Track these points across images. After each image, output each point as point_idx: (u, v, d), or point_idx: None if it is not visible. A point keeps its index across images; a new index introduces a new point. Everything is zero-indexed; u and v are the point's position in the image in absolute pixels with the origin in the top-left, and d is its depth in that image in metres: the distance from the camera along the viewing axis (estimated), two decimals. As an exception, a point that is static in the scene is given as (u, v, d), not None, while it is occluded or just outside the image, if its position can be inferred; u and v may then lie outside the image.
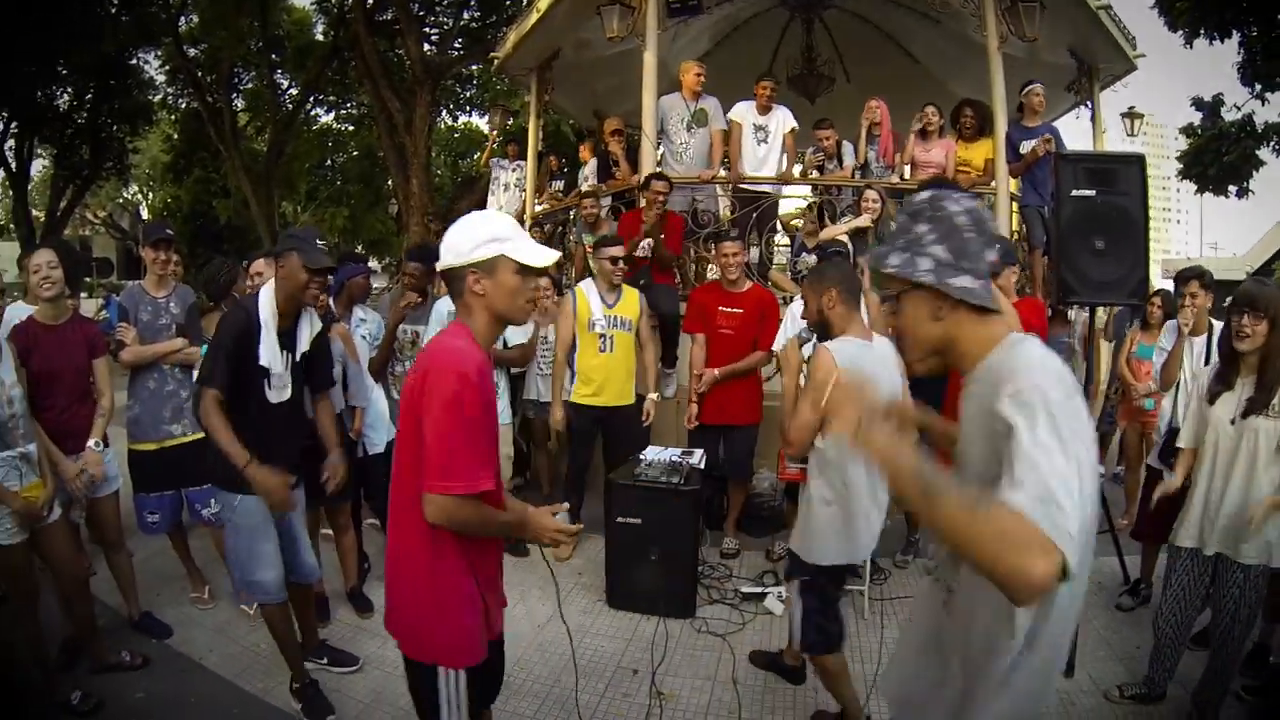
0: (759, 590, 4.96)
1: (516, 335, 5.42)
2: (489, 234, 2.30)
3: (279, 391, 3.59)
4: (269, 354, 3.50)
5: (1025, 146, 7.03)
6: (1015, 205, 7.55)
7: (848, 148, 7.78)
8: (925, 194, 1.83)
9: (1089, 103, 9.16)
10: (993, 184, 7.46)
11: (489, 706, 2.73)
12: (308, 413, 3.93)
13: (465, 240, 2.31)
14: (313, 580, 4.08)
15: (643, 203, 6.63)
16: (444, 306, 5.21)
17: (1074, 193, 4.26)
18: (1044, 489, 1.42)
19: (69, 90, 22.90)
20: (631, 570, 4.77)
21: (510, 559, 5.36)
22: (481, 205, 18.66)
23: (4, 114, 21.95)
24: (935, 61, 10.31)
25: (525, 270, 2.31)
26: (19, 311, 4.32)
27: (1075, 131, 9.44)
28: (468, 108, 24.96)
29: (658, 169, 7.40)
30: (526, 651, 4.33)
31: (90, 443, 4.12)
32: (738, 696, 3.91)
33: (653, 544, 4.70)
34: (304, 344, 3.71)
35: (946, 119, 7.60)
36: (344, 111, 27.02)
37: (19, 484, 3.51)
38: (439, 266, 2.38)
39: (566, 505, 2.47)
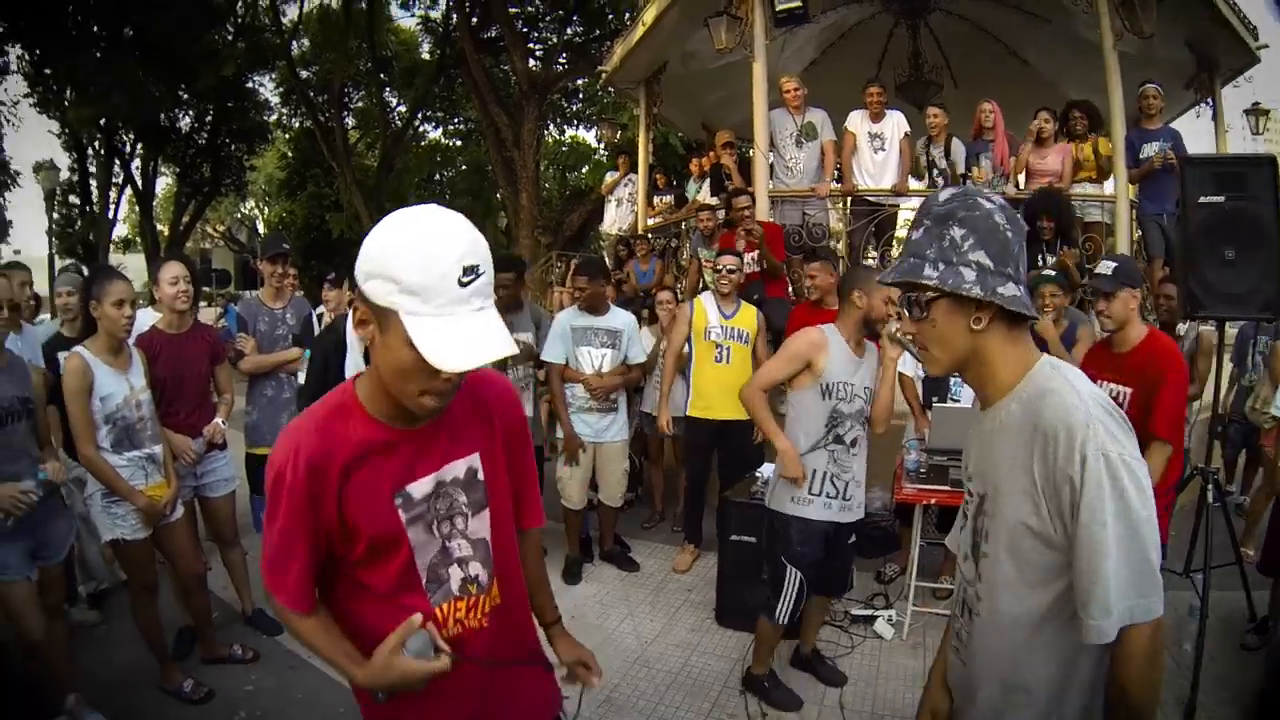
0: (869, 613, 4.80)
1: (637, 354, 5.52)
2: (389, 268, 1.43)
3: None
4: (354, 369, 3.73)
5: (1146, 151, 6.85)
6: (1134, 212, 7.31)
7: (958, 145, 7.59)
8: (949, 192, 1.65)
9: (1210, 100, 8.75)
10: (1110, 190, 7.25)
11: None
12: None
13: (364, 255, 1.47)
14: None
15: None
16: (566, 319, 5.43)
17: (1201, 199, 4.00)
18: (1141, 577, 1.47)
19: (191, 112, 24.09)
20: (743, 589, 4.61)
21: (618, 573, 5.57)
22: (591, 218, 18.99)
23: (131, 135, 23.31)
24: (1045, 63, 10.01)
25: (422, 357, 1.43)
26: (148, 318, 4.53)
27: (1196, 131, 9.01)
28: (575, 121, 25.08)
29: (770, 182, 7.49)
30: (632, 667, 4.33)
31: (216, 419, 4.43)
32: None
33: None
34: None
35: (1056, 124, 7.36)
36: (452, 127, 27.44)
37: (144, 483, 3.81)
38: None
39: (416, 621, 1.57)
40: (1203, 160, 4.44)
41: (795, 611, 3.78)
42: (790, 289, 7.17)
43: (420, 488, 1.66)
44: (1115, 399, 3.51)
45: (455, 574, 1.75)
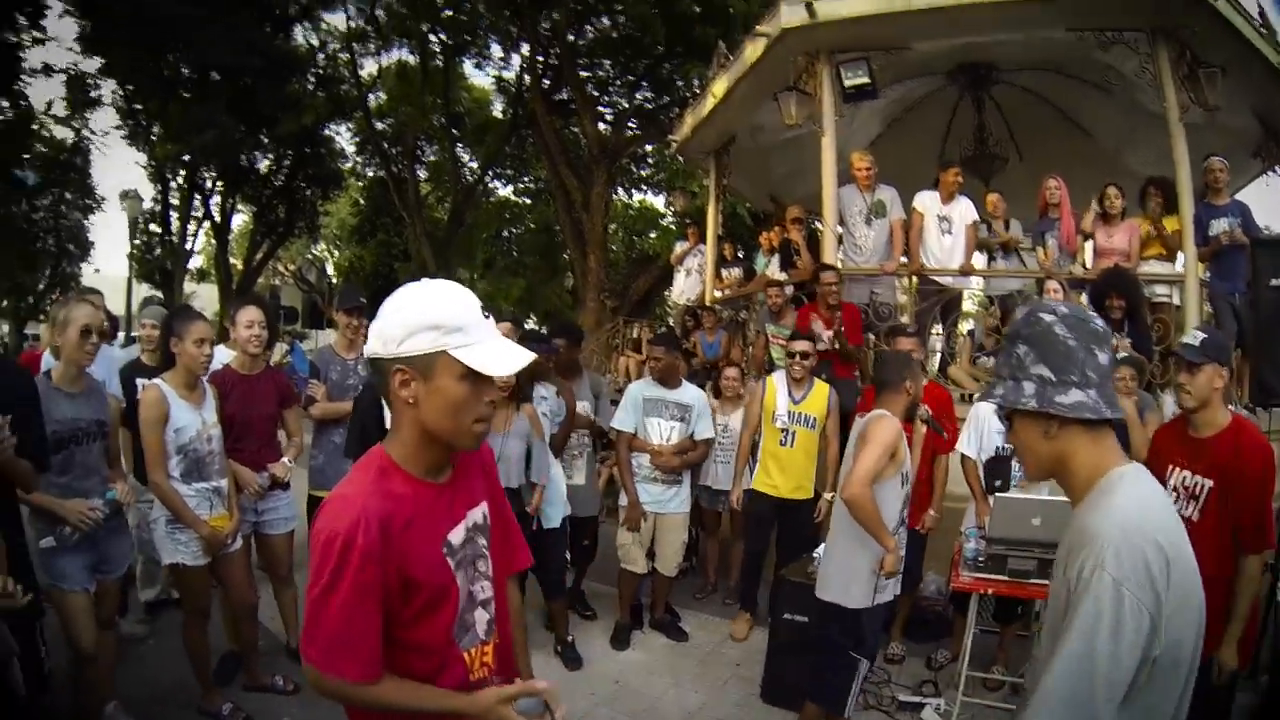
0: (917, 700, 4.67)
1: (704, 430, 5.58)
2: (428, 319, 1.63)
3: None
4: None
5: (1214, 227, 6.73)
6: (1204, 291, 7.10)
7: (1015, 225, 7.60)
8: (1022, 311, 1.78)
9: (1277, 168, 8.48)
10: (1180, 269, 7.10)
11: None
12: None
13: (395, 324, 1.65)
14: None
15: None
16: (638, 390, 5.52)
17: (1273, 282, 3.96)
18: (1069, 710, 1.47)
19: (270, 155, 25.25)
20: (791, 667, 4.49)
21: (666, 642, 5.56)
22: (657, 284, 19.10)
23: (213, 173, 24.36)
24: (1109, 135, 9.89)
25: (476, 377, 1.65)
26: (222, 355, 4.72)
27: (1266, 202, 8.83)
28: (644, 186, 25.46)
29: (838, 258, 7.51)
30: None
31: (284, 458, 4.60)
32: None
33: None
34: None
35: (1127, 199, 7.22)
36: (522, 185, 28.02)
37: (209, 513, 3.99)
38: (365, 352, 1.76)
39: (540, 686, 1.73)
40: (1274, 242, 4.44)
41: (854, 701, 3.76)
42: (858, 371, 7.11)
43: (457, 535, 1.79)
44: (1190, 491, 3.42)
45: (481, 617, 1.86)
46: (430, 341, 1.62)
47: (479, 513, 1.88)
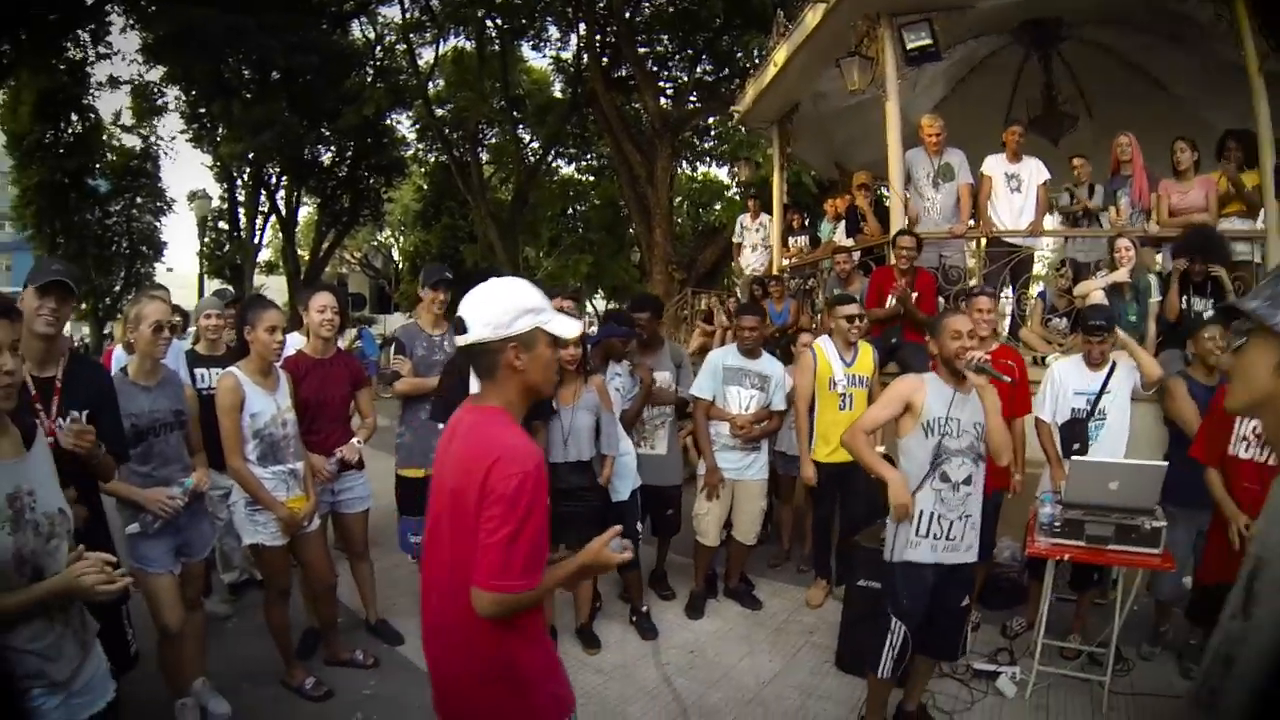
0: (992, 668, 4.56)
1: (780, 402, 5.54)
2: (525, 305, 2.19)
3: None
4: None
5: None
6: None
7: (1098, 189, 7.35)
8: None
9: None
10: (1260, 225, 6.79)
11: None
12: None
13: (502, 312, 2.17)
14: None
15: (892, 259, 6.64)
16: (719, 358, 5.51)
17: None
18: None
19: (332, 148, 25.76)
20: (866, 634, 4.24)
21: (740, 611, 5.58)
22: (724, 255, 19.08)
23: (277, 168, 25.00)
24: (1187, 89, 9.41)
25: (557, 342, 2.26)
26: (296, 341, 4.81)
27: None
28: (707, 159, 25.32)
29: (905, 223, 7.39)
30: (747, 706, 4.30)
31: (353, 439, 4.70)
32: None
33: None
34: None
35: (1199, 153, 6.90)
36: (585, 163, 28.07)
37: (285, 495, 4.09)
38: (466, 340, 2.20)
39: (619, 529, 2.27)
40: None
41: (898, 667, 3.72)
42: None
43: None
44: (1263, 437, 3.34)
45: None
46: (529, 321, 2.17)
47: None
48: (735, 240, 11.43)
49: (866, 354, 5.58)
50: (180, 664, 3.91)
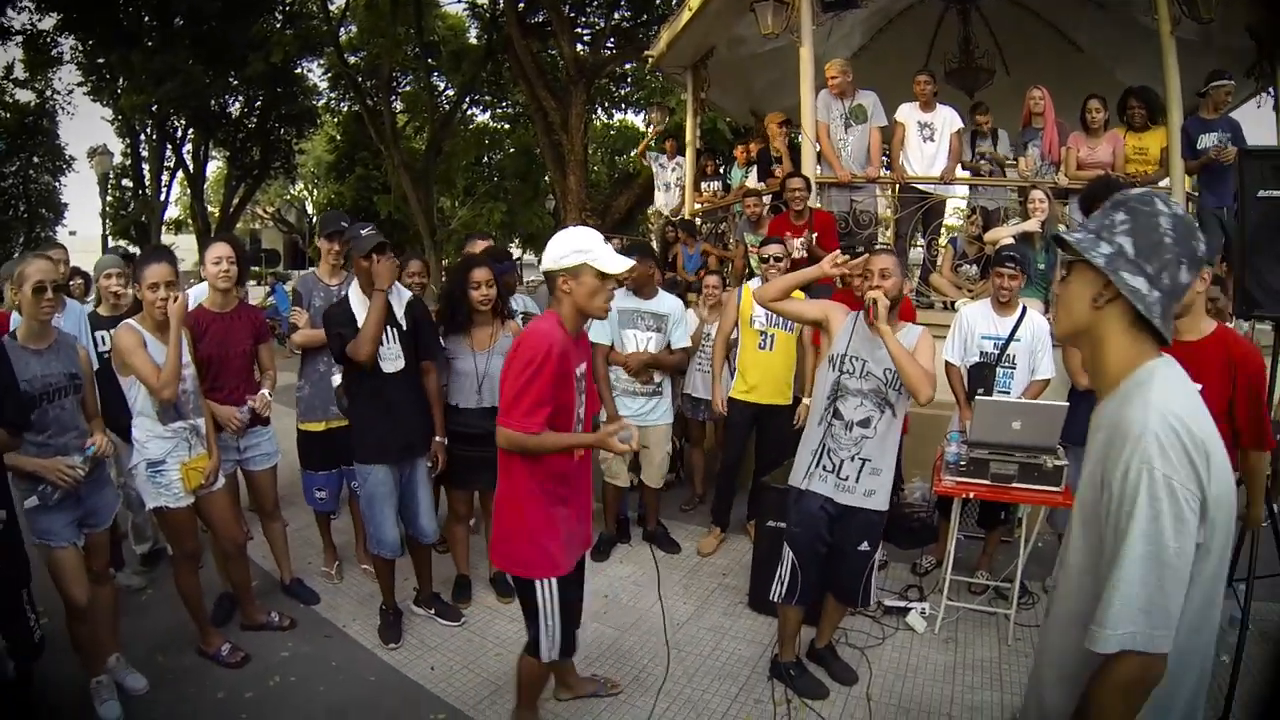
0: (902, 605, 4.77)
1: (681, 339, 5.51)
2: (576, 246, 2.95)
3: (392, 362, 4.14)
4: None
5: (1203, 141, 6.61)
6: (1191, 206, 6.93)
7: (1002, 135, 7.50)
8: (1144, 189, 1.75)
9: (1271, 89, 8.17)
10: (1166, 182, 6.90)
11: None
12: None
13: (559, 250, 2.97)
14: (428, 540, 4.55)
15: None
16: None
17: (1260, 193, 3.85)
18: (1152, 608, 1.52)
19: (240, 98, 24.92)
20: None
21: (657, 555, 5.54)
22: (639, 201, 18.99)
23: (182, 121, 24.04)
24: (1101, 49, 9.67)
25: (604, 276, 2.96)
26: (201, 292, 4.65)
27: (1257, 122, 8.38)
28: (623, 105, 24.97)
29: (817, 169, 7.40)
30: (662, 649, 4.24)
31: (263, 390, 4.60)
32: (870, 713, 3.79)
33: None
34: (400, 315, 4.19)
35: (1112, 111, 7.10)
36: (500, 111, 27.51)
37: (188, 454, 3.98)
38: (542, 269, 3.07)
39: (626, 422, 3.07)
40: (1262, 152, 4.23)
41: (793, 594, 3.79)
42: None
43: (580, 369, 3.14)
44: None
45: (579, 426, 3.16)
46: (578, 258, 2.94)
47: (584, 364, 3.21)
48: (648, 164, 11.37)
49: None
50: (92, 640, 3.78)
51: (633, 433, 3.00)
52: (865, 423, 3.64)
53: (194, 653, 4.25)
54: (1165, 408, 1.57)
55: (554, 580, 3.11)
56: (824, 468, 3.69)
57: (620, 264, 2.97)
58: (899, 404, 3.66)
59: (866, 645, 4.39)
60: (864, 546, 3.78)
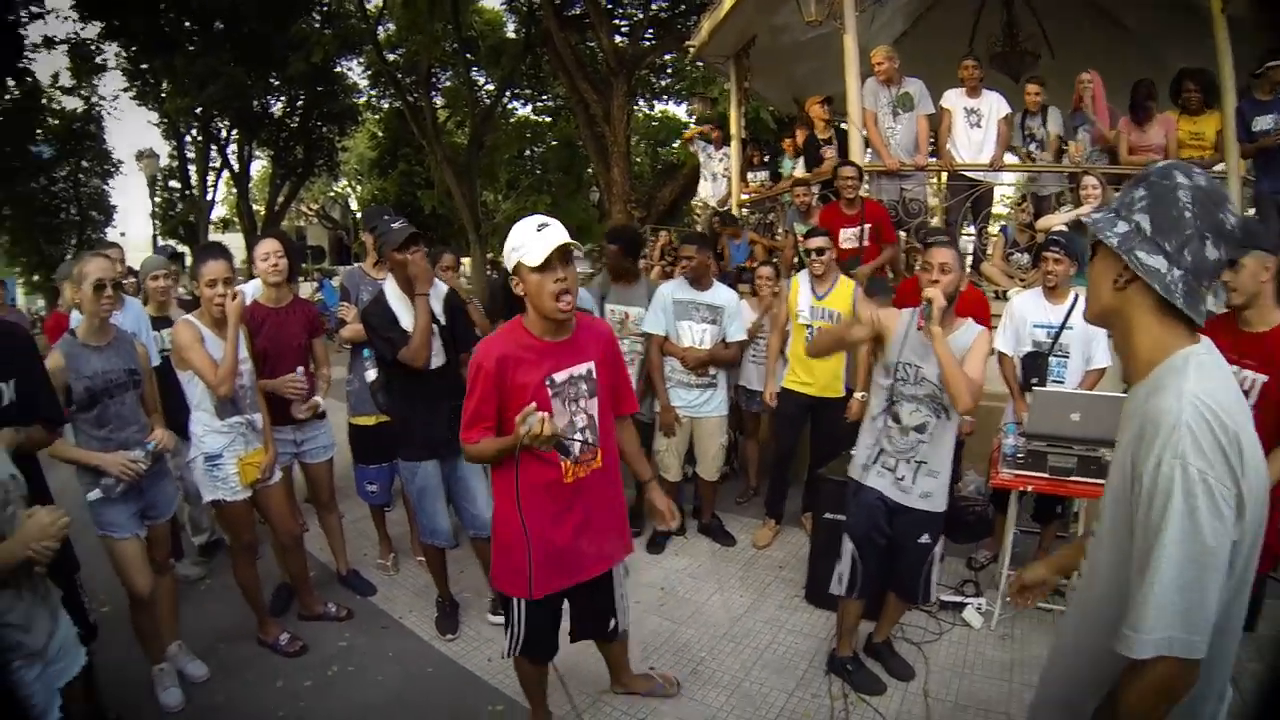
0: (958, 600, 4.67)
1: (736, 332, 5.46)
2: (511, 244, 2.77)
3: (435, 358, 4.06)
4: (407, 322, 3.99)
5: (1259, 124, 6.40)
6: (1247, 191, 6.79)
7: (1054, 114, 7.33)
8: (1164, 163, 1.66)
9: None
10: (1221, 166, 6.74)
11: (600, 638, 3.47)
12: None
13: (506, 250, 2.83)
14: (485, 533, 4.20)
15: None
16: (669, 292, 5.43)
17: None
18: (1190, 611, 1.44)
19: (283, 98, 25.28)
20: (833, 568, 4.22)
21: (710, 547, 5.61)
22: (684, 192, 18.95)
23: (226, 122, 24.44)
24: (1149, 29, 9.37)
25: (540, 268, 2.69)
26: (257, 288, 4.71)
27: None
28: (664, 96, 24.98)
29: (865, 157, 7.32)
30: (719, 642, 4.34)
31: (316, 397, 4.66)
32: (927, 709, 3.74)
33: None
34: (440, 312, 4.13)
35: (1163, 93, 6.96)
36: (541, 104, 27.60)
37: (245, 448, 4.04)
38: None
39: (533, 405, 2.65)
40: None
41: (854, 587, 3.75)
42: (891, 272, 7.01)
43: (560, 376, 2.89)
44: (1241, 385, 3.31)
45: (578, 438, 2.94)
46: (513, 258, 2.76)
47: (584, 368, 2.95)
48: (693, 152, 11.29)
49: (845, 291, 5.47)
50: (154, 629, 3.87)
51: (539, 415, 2.62)
52: (921, 428, 3.58)
53: (253, 642, 4.34)
54: (1200, 398, 1.49)
55: (524, 601, 3.04)
56: (883, 465, 3.66)
57: (541, 248, 2.69)
58: (953, 410, 3.59)
59: (923, 640, 4.33)
60: (924, 539, 3.72)
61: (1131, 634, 1.48)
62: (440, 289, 4.30)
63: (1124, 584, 1.56)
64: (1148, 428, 1.52)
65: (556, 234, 2.73)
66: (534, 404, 2.63)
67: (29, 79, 22.25)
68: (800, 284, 5.54)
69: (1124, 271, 1.60)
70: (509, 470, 2.83)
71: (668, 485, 5.57)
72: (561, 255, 2.73)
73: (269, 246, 4.52)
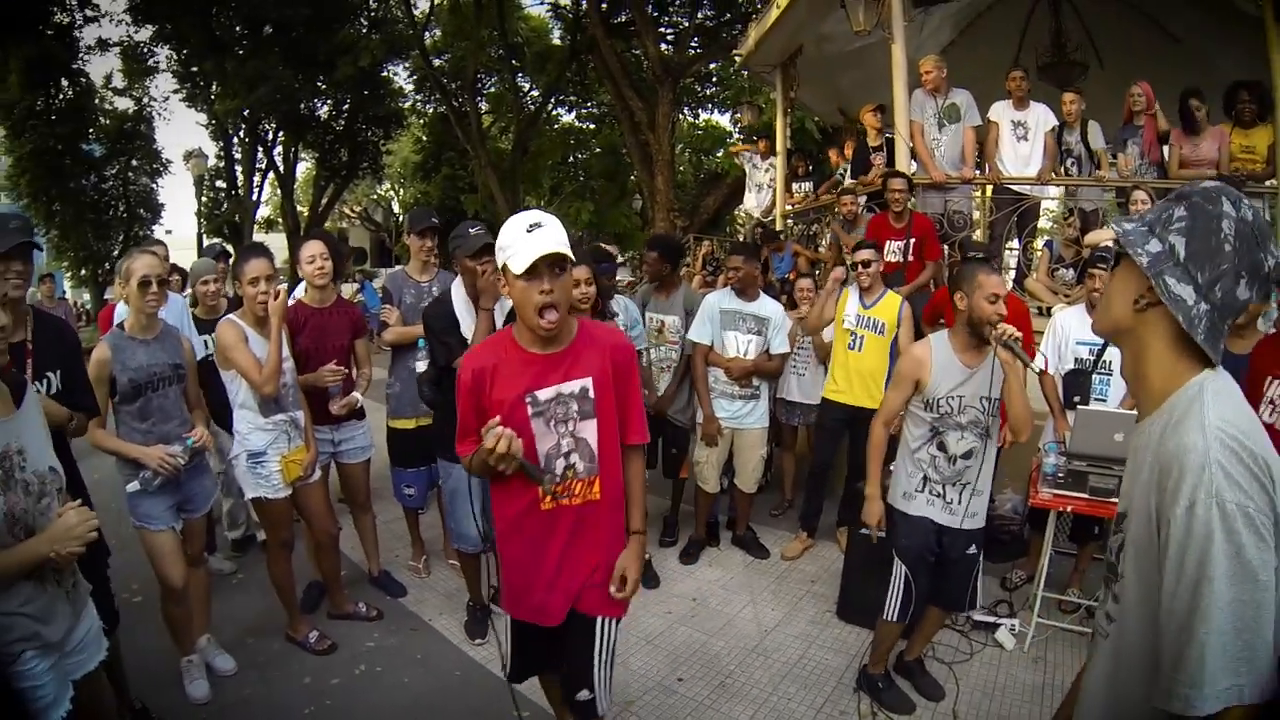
0: (991, 620, 4.56)
1: (780, 344, 5.42)
2: (500, 243, 2.41)
3: None
4: (469, 329, 3.93)
5: None
6: None
7: (1094, 128, 7.15)
8: (1213, 184, 1.50)
9: None
10: (1273, 182, 6.56)
11: (570, 710, 2.77)
12: None
13: (496, 248, 2.45)
14: (459, 545, 4.43)
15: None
16: (715, 301, 5.40)
17: None
18: (1253, 654, 1.32)
19: (329, 101, 25.42)
20: (867, 584, 4.32)
21: (743, 559, 5.58)
22: (727, 202, 18.95)
23: (273, 124, 24.77)
24: (1199, 39, 9.18)
25: (527, 275, 2.32)
26: (299, 291, 4.78)
27: None
28: (709, 105, 25.04)
29: (911, 168, 7.25)
30: (749, 655, 4.31)
31: (354, 395, 4.69)
32: None
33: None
34: (501, 324, 4.00)
35: (1215, 105, 6.76)
36: (585, 111, 27.75)
37: (287, 446, 4.08)
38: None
39: (496, 420, 2.33)
40: None
41: (905, 611, 3.68)
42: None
43: (545, 393, 2.50)
44: None
45: (561, 464, 2.56)
46: (501, 259, 2.40)
47: (576, 385, 2.53)
48: (740, 164, 11.24)
49: (892, 304, 5.45)
50: (185, 621, 3.91)
51: (498, 431, 2.31)
52: (969, 454, 3.54)
53: (282, 638, 4.37)
54: (1223, 429, 1.38)
55: (510, 619, 2.79)
56: (931, 493, 3.61)
57: (527, 253, 2.30)
58: (995, 428, 3.57)
59: (954, 660, 4.24)
60: (971, 550, 3.69)
61: (1192, 691, 1.34)
62: (506, 304, 4.27)
63: (1150, 630, 1.45)
64: (1172, 469, 1.40)
65: (546, 238, 2.32)
66: (497, 419, 2.33)
67: (83, 80, 22.84)
68: (850, 292, 5.53)
69: (1147, 293, 1.49)
70: (495, 493, 2.62)
71: (705, 496, 5.59)
72: (550, 263, 2.32)
73: (314, 249, 4.54)
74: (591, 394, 2.53)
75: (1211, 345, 1.46)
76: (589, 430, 2.56)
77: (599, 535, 2.65)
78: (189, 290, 5.74)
